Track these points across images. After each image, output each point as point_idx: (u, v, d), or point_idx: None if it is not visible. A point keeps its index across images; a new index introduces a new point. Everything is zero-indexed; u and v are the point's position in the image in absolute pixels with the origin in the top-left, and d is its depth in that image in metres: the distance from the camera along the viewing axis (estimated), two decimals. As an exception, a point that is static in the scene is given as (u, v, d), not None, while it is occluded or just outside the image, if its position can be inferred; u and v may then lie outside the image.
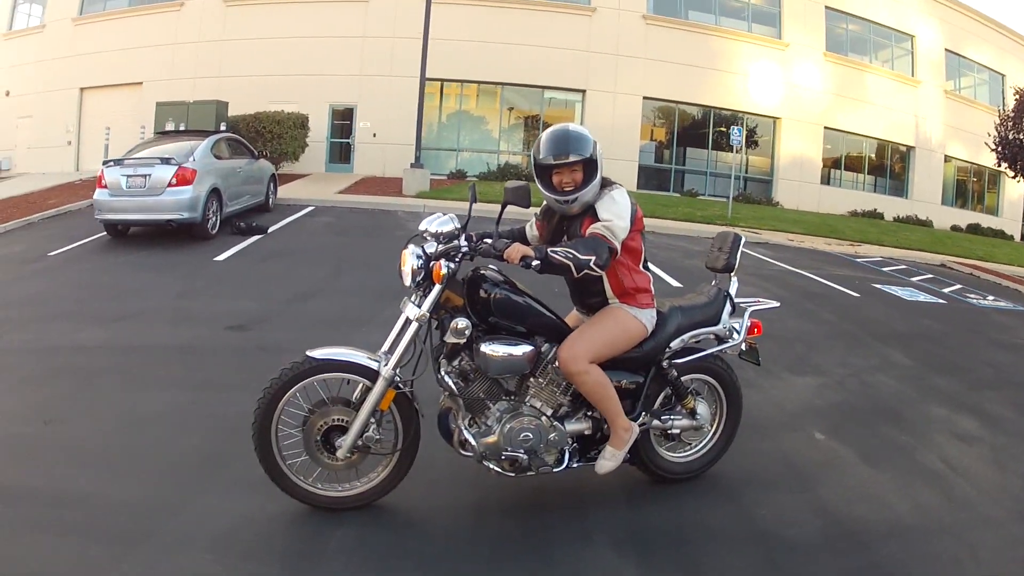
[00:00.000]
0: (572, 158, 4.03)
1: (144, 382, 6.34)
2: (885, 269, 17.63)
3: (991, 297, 15.45)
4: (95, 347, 7.32)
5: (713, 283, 4.91)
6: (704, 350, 4.66)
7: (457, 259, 3.96)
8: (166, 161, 13.21)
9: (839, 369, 8.16)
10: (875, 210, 31.40)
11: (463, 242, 3.99)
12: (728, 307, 4.72)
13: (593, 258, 3.84)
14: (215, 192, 13.80)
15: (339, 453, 4.03)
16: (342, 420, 4.05)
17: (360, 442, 4.02)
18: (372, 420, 4.02)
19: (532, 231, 4.59)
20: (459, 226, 4.07)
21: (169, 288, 9.88)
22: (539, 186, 4.18)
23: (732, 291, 4.82)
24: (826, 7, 31.73)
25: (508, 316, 4.07)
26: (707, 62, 29.83)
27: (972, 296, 15.19)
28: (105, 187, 13.15)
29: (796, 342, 9.08)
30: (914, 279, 16.42)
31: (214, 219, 13.79)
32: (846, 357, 8.73)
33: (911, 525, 4.59)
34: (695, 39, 29.93)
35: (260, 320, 8.39)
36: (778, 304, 5.26)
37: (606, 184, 4.19)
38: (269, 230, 14.70)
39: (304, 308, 9.11)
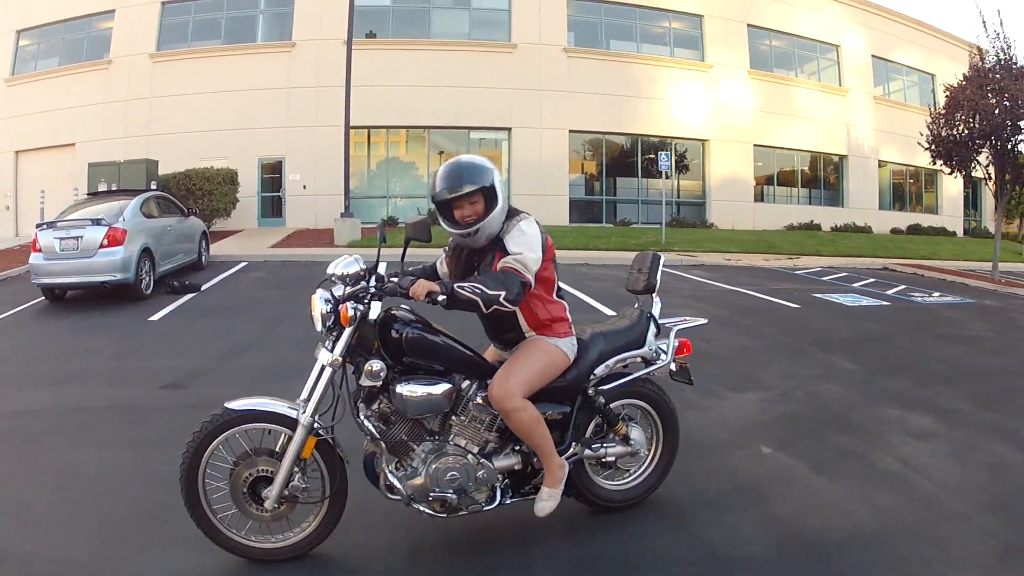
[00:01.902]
0: (467, 188, 3.95)
1: (84, 442, 6.25)
2: (825, 278, 17.86)
3: (936, 293, 15.72)
4: (37, 410, 7.20)
5: (636, 305, 4.88)
6: (631, 374, 4.60)
7: (365, 300, 3.88)
8: (96, 222, 13.09)
9: (782, 382, 8.15)
10: (812, 222, 31.90)
11: (371, 283, 3.93)
12: (653, 328, 4.66)
13: (503, 293, 3.77)
14: (147, 251, 13.68)
15: (267, 504, 3.92)
16: (267, 471, 3.95)
17: (287, 492, 3.92)
18: (296, 469, 3.92)
19: (442, 267, 4.51)
20: (364, 267, 3.99)
21: (106, 349, 9.75)
22: (442, 223, 4.09)
23: (655, 312, 4.77)
24: (748, 25, 32.40)
25: (422, 355, 4.00)
26: (632, 90, 30.24)
27: (917, 294, 15.46)
28: (40, 251, 13.01)
29: (736, 359, 9.10)
30: (856, 285, 16.66)
31: (147, 279, 13.66)
32: (789, 369, 8.75)
33: (872, 529, 4.52)
34: (618, 68, 30.41)
35: (194, 377, 8.26)
36: (706, 321, 5.21)
37: (513, 214, 4.12)
38: (203, 288, 14.57)
39: (239, 363, 8.97)
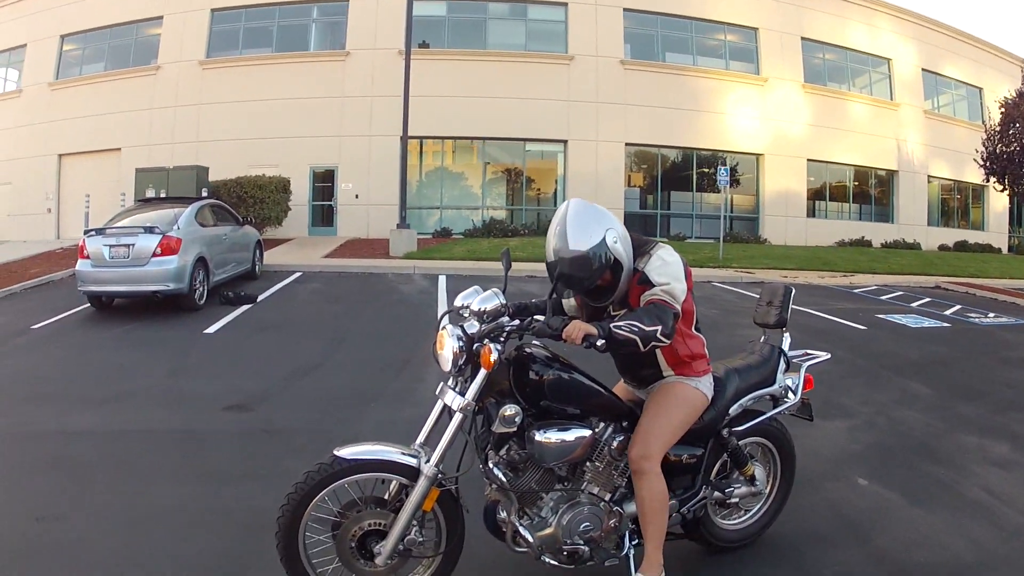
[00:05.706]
0: (587, 283, 3.57)
1: (143, 473, 5.72)
2: (883, 297, 17.65)
3: (992, 314, 15.51)
4: (86, 432, 6.71)
5: (763, 339, 4.59)
6: (762, 413, 4.32)
7: (502, 340, 3.50)
8: (150, 230, 12.90)
9: (864, 408, 8.00)
10: (863, 238, 31.44)
11: (509, 320, 3.58)
12: (783, 364, 4.40)
13: (660, 327, 3.34)
14: (201, 261, 13.49)
15: (379, 560, 3.51)
16: (379, 523, 3.56)
17: (401, 546, 3.52)
18: (414, 522, 3.55)
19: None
20: (504, 302, 3.62)
21: (160, 365, 9.36)
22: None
23: (785, 347, 4.50)
24: (802, 38, 32.00)
25: (563, 399, 3.59)
26: (687, 103, 29.92)
27: (973, 315, 15.29)
28: (87, 257, 12.81)
29: (817, 384, 8.66)
30: (914, 304, 16.44)
31: (201, 289, 13.45)
32: (868, 394, 8.60)
33: (970, 563, 4.48)
34: (673, 81, 30.09)
35: (260, 399, 7.83)
36: (829, 355, 4.97)
37: (644, 244, 3.70)
38: (258, 299, 14.34)
39: (306, 384, 8.53)
